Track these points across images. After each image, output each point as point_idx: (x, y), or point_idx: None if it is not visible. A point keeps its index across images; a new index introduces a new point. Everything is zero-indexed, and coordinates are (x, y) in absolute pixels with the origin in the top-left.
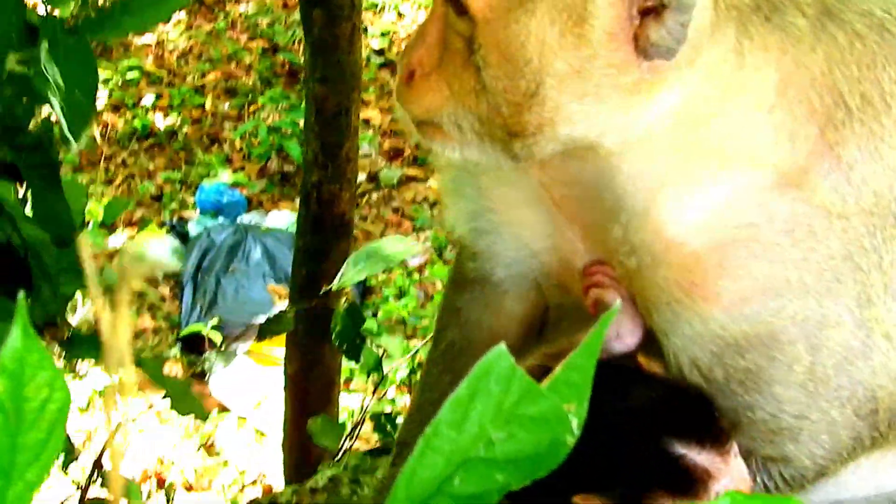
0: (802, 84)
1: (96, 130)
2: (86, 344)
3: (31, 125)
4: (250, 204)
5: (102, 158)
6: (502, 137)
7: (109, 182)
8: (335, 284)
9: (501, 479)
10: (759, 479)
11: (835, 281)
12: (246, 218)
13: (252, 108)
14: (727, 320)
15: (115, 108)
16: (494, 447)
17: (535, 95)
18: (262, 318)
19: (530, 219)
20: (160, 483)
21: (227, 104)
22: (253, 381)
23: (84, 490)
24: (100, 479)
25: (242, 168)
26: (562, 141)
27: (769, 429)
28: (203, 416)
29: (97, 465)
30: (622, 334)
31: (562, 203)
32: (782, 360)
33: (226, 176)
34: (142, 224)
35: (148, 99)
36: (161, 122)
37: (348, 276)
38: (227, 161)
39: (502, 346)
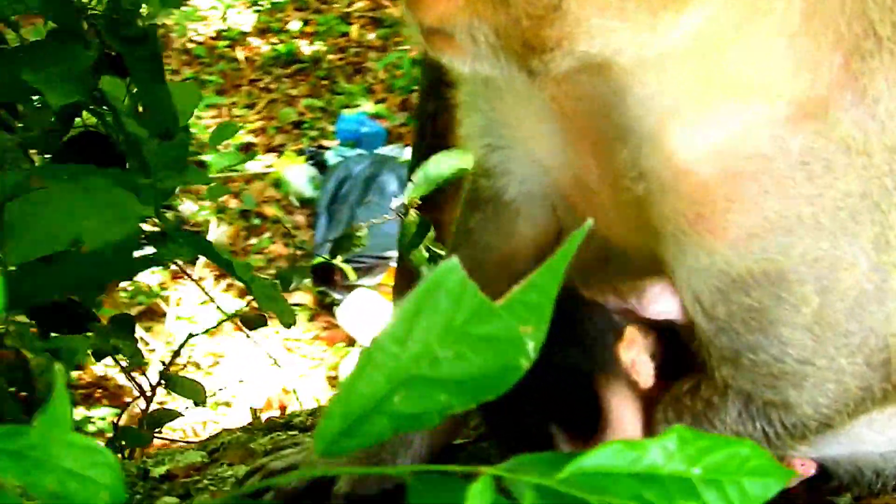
0: (831, 9)
1: (241, 53)
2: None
3: None
4: (389, 136)
5: (246, 82)
6: (519, 51)
7: (251, 106)
8: (406, 197)
9: (445, 400)
10: (758, 424)
11: (851, 220)
12: (384, 150)
13: (397, 39)
14: (733, 256)
15: (262, 32)
16: (440, 366)
17: (557, 9)
18: (393, 252)
19: (543, 134)
20: (282, 411)
21: (372, 34)
22: (381, 314)
23: (149, 398)
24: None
25: (384, 100)
26: (578, 57)
27: (771, 373)
28: (290, 321)
29: (164, 372)
30: (657, 301)
31: (573, 119)
32: (789, 300)
33: (367, 106)
34: (280, 150)
35: (294, 25)
36: (306, 48)
37: (418, 189)
38: (369, 91)
39: (454, 260)
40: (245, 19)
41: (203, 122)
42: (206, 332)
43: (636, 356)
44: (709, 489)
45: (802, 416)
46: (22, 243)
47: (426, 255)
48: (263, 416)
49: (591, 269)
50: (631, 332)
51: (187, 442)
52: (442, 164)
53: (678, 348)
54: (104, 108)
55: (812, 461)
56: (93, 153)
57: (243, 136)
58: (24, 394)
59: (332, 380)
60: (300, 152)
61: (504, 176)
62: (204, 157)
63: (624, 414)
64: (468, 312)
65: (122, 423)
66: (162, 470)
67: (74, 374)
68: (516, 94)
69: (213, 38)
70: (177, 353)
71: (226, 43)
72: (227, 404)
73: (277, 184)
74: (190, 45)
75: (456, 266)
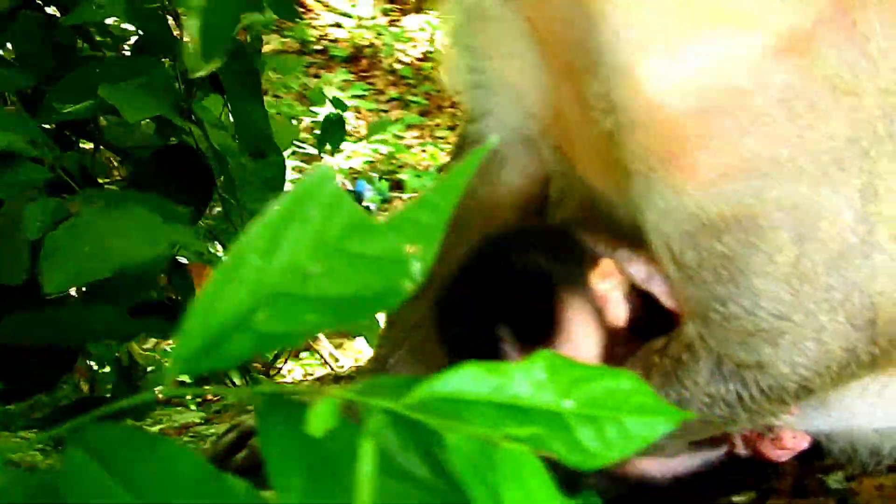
0: None
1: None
2: None
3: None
4: None
5: (449, 104)
6: None
7: (453, 128)
8: None
9: (313, 320)
10: (731, 386)
11: (834, 166)
12: None
13: None
14: (703, 197)
15: None
16: (309, 283)
17: None
18: None
19: (522, 65)
20: None
21: None
22: None
23: None
24: None
25: None
26: None
27: (744, 328)
28: None
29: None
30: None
31: (550, 47)
32: (762, 248)
33: None
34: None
35: None
36: None
37: None
38: None
39: (325, 168)
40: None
41: (404, 143)
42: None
43: (610, 291)
44: (583, 425)
45: (779, 377)
46: (59, 272)
47: None
48: None
49: (580, 215)
50: (608, 265)
51: None
52: None
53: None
54: (192, 121)
55: (805, 434)
56: (179, 167)
57: (443, 158)
58: None
59: None
60: None
61: (487, 117)
62: (402, 177)
63: (581, 333)
64: (344, 227)
65: None
66: (156, 429)
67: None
68: (495, 21)
69: (419, 60)
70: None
71: (431, 65)
72: None
73: None
74: (397, 66)
75: (328, 174)
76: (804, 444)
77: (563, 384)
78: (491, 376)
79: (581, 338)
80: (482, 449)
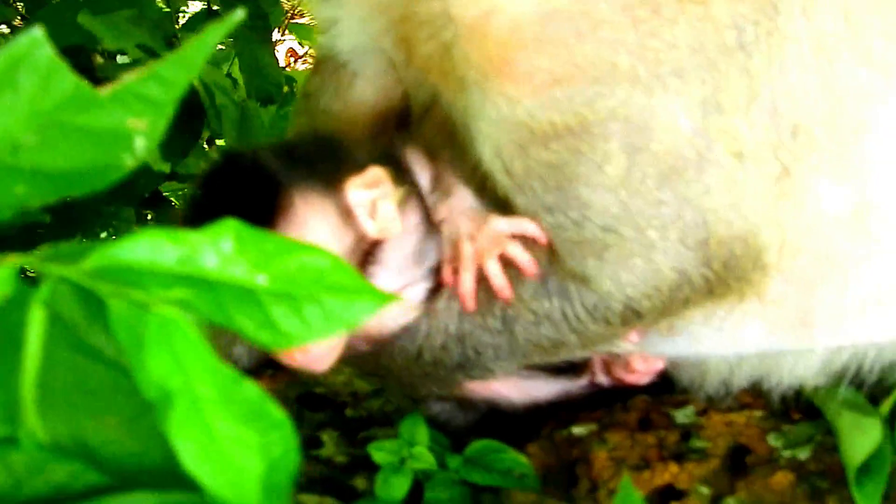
0: None
1: None
2: None
3: None
4: None
5: None
6: None
7: None
8: None
9: (23, 192)
10: (555, 301)
11: (674, 76)
12: None
13: None
14: (535, 105)
15: None
16: (21, 154)
17: None
18: None
19: None
20: None
21: None
22: None
23: None
24: None
25: None
26: None
27: (570, 239)
28: None
29: None
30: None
31: None
32: (592, 157)
33: None
34: None
35: None
36: None
37: None
38: None
39: (37, 32)
40: None
41: None
42: None
43: (379, 199)
44: (277, 303)
45: (603, 295)
46: None
47: None
48: None
49: (441, 132)
50: (377, 173)
51: None
52: None
53: None
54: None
55: (656, 357)
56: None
57: None
58: None
59: None
60: None
61: (337, 27)
62: None
63: (308, 237)
64: (61, 97)
65: None
66: None
67: None
68: None
69: None
70: None
71: None
72: None
73: None
74: None
75: (40, 40)
76: (658, 364)
77: (254, 258)
78: (173, 245)
79: (308, 226)
80: (136, 315)
